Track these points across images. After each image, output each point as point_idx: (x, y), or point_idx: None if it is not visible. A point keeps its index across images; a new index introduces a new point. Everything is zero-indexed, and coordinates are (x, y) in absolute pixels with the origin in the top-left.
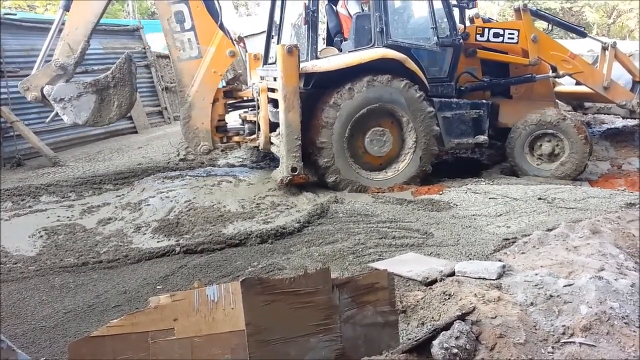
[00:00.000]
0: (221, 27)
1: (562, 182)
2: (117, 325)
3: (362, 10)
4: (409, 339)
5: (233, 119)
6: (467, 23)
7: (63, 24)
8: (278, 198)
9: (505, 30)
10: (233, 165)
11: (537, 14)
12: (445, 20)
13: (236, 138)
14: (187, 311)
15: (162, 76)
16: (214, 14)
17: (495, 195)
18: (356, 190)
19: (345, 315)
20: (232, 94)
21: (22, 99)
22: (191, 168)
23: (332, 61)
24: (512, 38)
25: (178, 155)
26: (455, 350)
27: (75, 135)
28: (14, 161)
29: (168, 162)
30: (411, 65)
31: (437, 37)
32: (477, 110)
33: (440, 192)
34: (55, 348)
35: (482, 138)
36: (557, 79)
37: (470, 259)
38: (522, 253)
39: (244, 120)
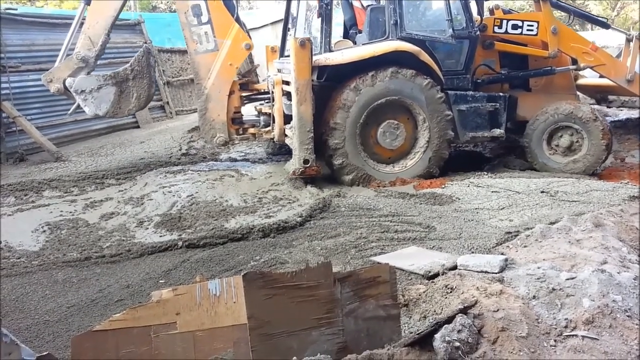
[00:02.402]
0: (237, 20)
1: (565, 175)
2: (119, 320)
3: (377, 1)
4: (411, 333)
5: (249, 111)
6: (487, 15)
7: (84, 18)
8: (280, 192)
9: (524, 22)
10: (235, 160)
11: (558, 5)
12: (462, 12)
13: (252, 130)
14: (189, 305)
15: (163, 70)
16: (230, 7)
17: (498, 188)
18: (360, 178)
19: (347, 308)
20: (247, 86)
21: (24, 94)
22: (193, 162)
23: (345, 54)
24: (531, 30)
25: (180, 149)
26: (457, 344)
27: (77, 130)
28: (16, 156)
29: (170, 157)
30: (425, 57)
31: (453, 29)
32: (493, 103)
33: (443, 186)
34: (58, 342)
35: (498, 131)
36: (579, 72)
37: (473, 252)
38: (525, 246)
39: (260, 113)
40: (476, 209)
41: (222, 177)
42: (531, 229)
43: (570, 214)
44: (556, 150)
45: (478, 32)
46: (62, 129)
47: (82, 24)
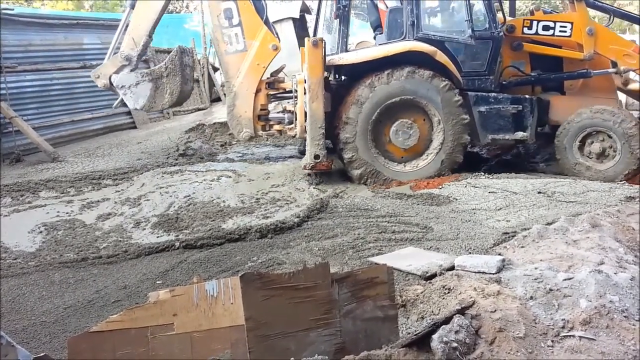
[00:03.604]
0: (266, 22)
1: (562, 176)
2: (116, 321)
3: (402, 3)
4: (409, 333)
5: (277, 109)
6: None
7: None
8: (279, 193)
9: (557, 23)
10: (232, 160)
11: (594, 5)
12: (485, 12)
13: (277, 127)
14: (186, 306)
15: None
16: (260, 10)
17: (495, 189)
18: (369, 173)
19: (344, 309)
20: (274, 85)
21: (20, 94)
22: (191, 163)
23: (359, 54)
24: (564, 31)
25: (177, 150)
26: (454, 345)
27: (74, 130)
28: (13, 157)
29: (167, 158)
30: (441, 58)
31: (472, 30)
32: (517, 106)
33: (440, 186)
34: (55, 343)
35: (521, 134)
36: (629, 76)
37: (470, 253)
38: (522, 247)
39: (285, 110)
40: (473, 209)
41: (219, 178)
42: (528, 229)
43: (567, 215)
44: (581, 149)
45: (502, 33)
46: (59, 129)
47: (127, 26)
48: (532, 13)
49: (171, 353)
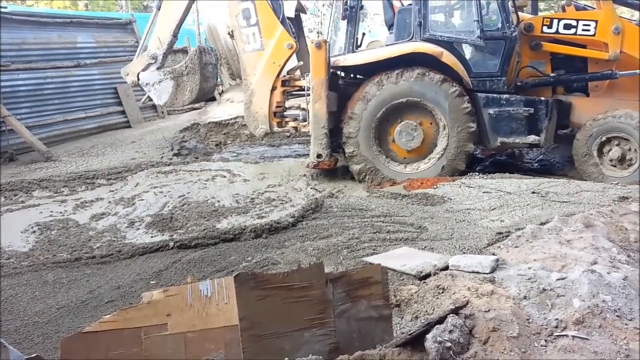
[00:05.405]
0: (282, 22)
1: (555, 176)
2: (110, 321)
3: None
4: (403, 333)
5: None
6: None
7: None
8: (274, 193)
9: (579, 21)
10: (227, 160)
11: (624, 3)
12: (497, 12)
13: (292, 123)
14: (180, 306)
15: None
16: (277, 10)
17: (489, 189)
18: (368, 170)
19: (339, 309)
20: (290, 82)
21: (14, 93)
22: (185, 163)
23: (364, 55)
24: (588, 29)
25: (172, 149)
26: (448, 344)
27: (68, 129)
28: (6, 156)
29: (162, 157)
30: (448, 59)
31: (481, 30)
32: (529, 108)
33: (434, 186)
34: (48, 344)
35: (533, 138)
36: None
37: (464, 252)
38: (516, 247)
39: (300, 108)
40: (468, 209)
41: (214, 178)
42: (522, 229)
43: (560, 215)
44: (602, 151)
45: (515, 33)
46: (53, 128)
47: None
48: (563, 9)
49: (165, 353)
